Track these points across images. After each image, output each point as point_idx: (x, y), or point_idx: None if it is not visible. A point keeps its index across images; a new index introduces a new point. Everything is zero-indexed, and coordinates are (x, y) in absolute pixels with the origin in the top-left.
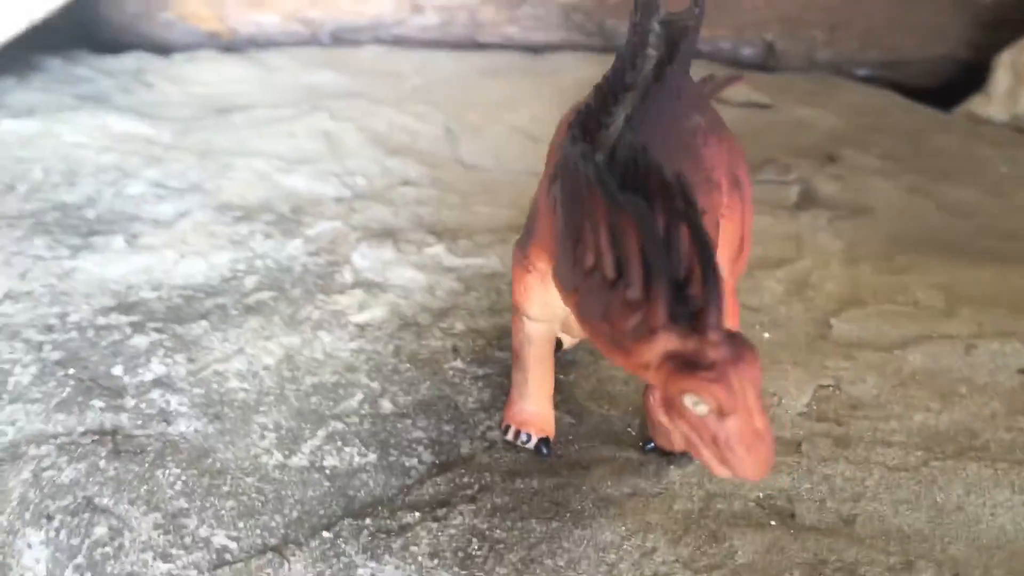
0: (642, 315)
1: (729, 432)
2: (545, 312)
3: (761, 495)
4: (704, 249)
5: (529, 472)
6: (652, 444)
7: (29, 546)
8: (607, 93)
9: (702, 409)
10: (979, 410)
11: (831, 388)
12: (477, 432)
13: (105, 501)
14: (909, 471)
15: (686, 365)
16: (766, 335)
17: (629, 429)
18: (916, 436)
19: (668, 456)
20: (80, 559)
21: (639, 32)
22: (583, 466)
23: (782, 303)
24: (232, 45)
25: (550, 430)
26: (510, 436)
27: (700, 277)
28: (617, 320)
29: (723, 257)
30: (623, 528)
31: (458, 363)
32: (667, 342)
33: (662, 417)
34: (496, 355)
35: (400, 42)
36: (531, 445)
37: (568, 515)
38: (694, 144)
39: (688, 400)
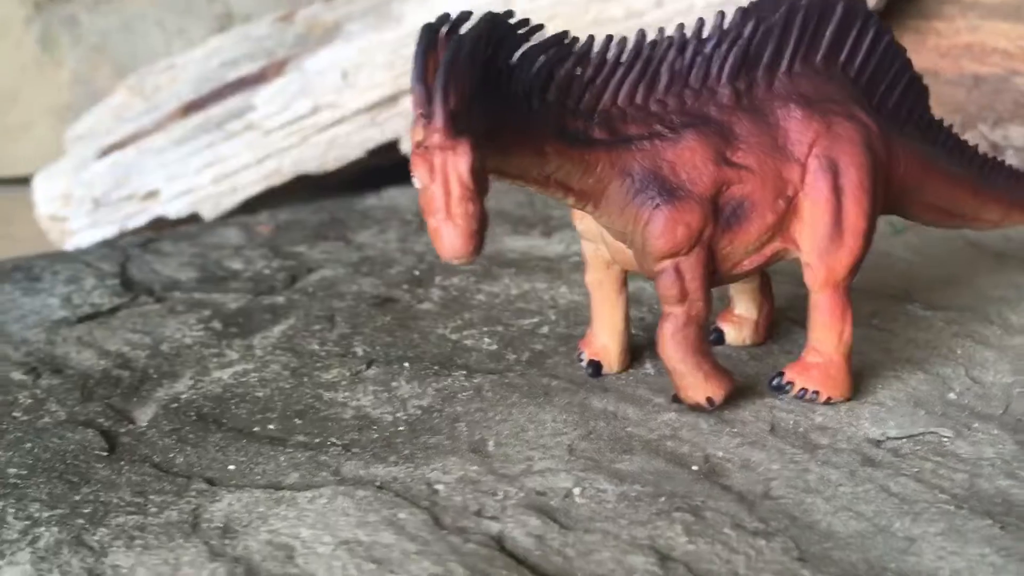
0: None
1: (425, 203)
2: (583, 225)
3: (722, 454)
4: (446, 55)
5: (560, 377)
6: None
7: (278, 324)
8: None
9: (416, 183)
10: None
11: None
12: (576, 356)
13: (341, 320)
14: (929, 500)
15: (413, 147)
16: None
17: None
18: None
19: (688, 408)
20: (290, 331)
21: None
22: (605, 390)
23: None
24: None
25: (605, 357)
26: (576, 354)
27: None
28: None
29: (811, 242)
30: (564, 418)
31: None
32: (417, 133)
33: None
34: None
35: None
36: (583, 363)
37: (542, 400)
38: (773, 112)
39: (412, 177)
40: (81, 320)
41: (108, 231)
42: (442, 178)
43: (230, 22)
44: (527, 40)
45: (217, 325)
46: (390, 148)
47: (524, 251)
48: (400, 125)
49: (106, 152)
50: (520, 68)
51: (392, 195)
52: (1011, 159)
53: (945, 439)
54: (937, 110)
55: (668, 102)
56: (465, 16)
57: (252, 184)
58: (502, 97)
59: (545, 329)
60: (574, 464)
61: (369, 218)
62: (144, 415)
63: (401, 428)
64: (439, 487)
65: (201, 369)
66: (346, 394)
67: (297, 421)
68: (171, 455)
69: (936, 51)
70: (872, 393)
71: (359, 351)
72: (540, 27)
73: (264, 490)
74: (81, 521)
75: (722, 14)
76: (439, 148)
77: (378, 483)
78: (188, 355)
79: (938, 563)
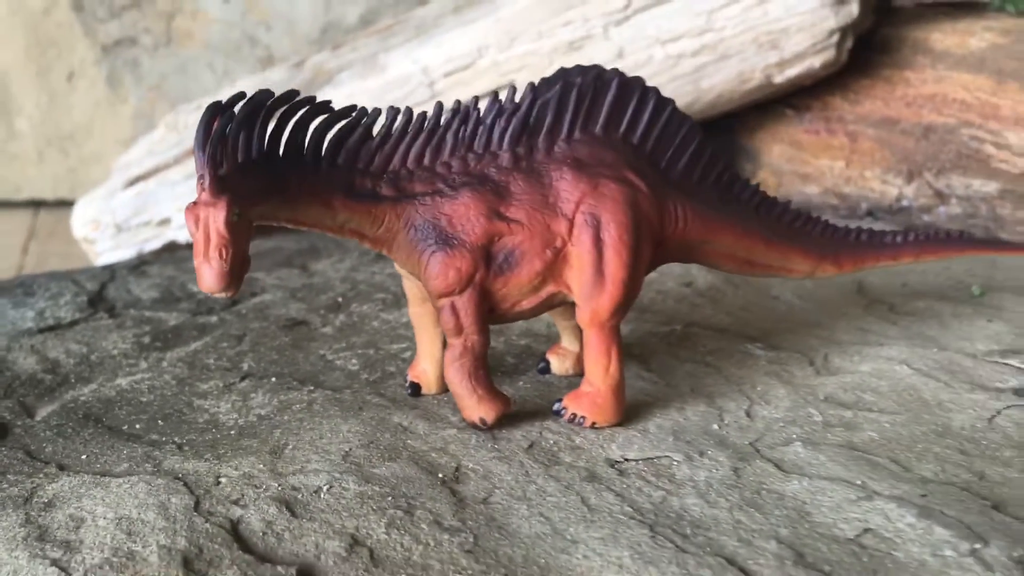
0: None
1: (194, 247)
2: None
3: (472, 465)
4: (217, 128)
5: (386, 395)
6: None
7: (197, 341)
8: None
9: (189, 230)
10: None
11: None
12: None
13: (248, 339)
14: (615, 511)
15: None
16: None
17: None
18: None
19: (469, 426)
20: (202, 347)
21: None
22: (414, 408)
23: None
24: None
25: (424, 380)
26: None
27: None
28: None
29: (579, 287)
30: (359, 429)
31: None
32: (197, 190)
33: None
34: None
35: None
36: (406, 384)
37: (352, 414)
38: (548, 174)
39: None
40: (42, 331)
41: (128, 253)
42: (204, 228)
43: (271, 64)
44: (322, 112)
45: (146, 339)
46: None
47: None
48: None
49: (132, 183)
50: (313, 136)
51: None
52: (955, 207)
53: (674, 463)
54: (888, 158)
55: (452, 164)
56: (261, 94)
57: None
58: (292, 161)
59: (408, 354)
60: (339, 467)
61: (340, 248)
62: (44, 412)
63: (232, 432)
64: (223, 480)
65: (111, 376)
66: (211, 402)
67: (160, 423)
68: (44, 444)
69: (903, 100)
70: (643, 421)
71: (245, 366)
72: (329, 102)
73: (94, 476)
74: None
75: (513, 88)
76: (204, 204)
77: (179, 474)
78: (109, 364)
79: (580, 562)
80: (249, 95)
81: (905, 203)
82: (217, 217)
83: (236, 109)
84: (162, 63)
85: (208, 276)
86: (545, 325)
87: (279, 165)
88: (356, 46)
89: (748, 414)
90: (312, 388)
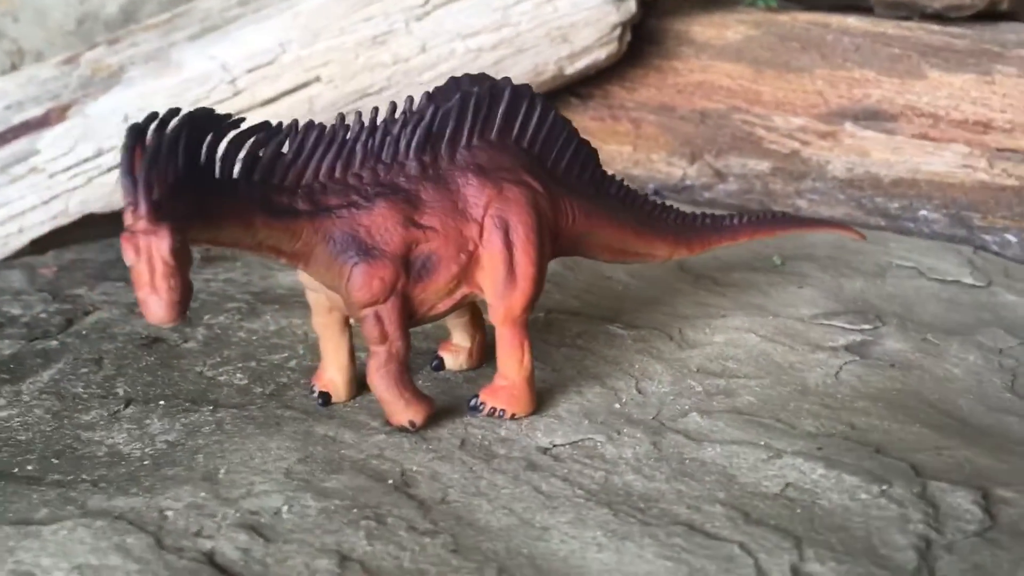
0: None
1: (134, 278)
2: (305, 277)
3: (415, 468)
4: (147, 152)
5: (295, 407)
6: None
7: (48, 369)
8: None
9: (128, 261)
10: None
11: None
12: (309, 388)
13: (108, 362)
14: (568, 495)
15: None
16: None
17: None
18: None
19: (396, 430)
20: (58, 375)
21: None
22: (331, 417)
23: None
24: None
25: (333, 389)
26: (309, 386)
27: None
28: None
29: (491, 287)
30: (288, 445)
31: None
32: (127, 219)
33: None
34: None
35: (702, 204)
36: (314, 394)
37: (273, 430)
38: (454, 180)
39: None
40: None
41: None
42: (146, 257)
43: (21, 59)
44: (232, 129)
45: None
46: None
47: (291, 287)
48: None
49: None
50: (227, 154)
51: None
52: (732, 185)
53: (598, 443)
54: (671, 143)
55: (363, 175)
56: (172, 113)
57: (39, 225)
58: (210, 181)
59: (293, 363)
60: (288, 485)
61: None
62: None
63: (147, 462)
64: (169, 513)
65: None
66: (102, 433)
67: (54, 461)
68: None
69: (675, 88)
70: (553, 407)
71: (120, 392)
72: (242, 119)
73: (14, 526)
74: None
75: (411, 99)
76: (143, 232)
77: (116, 514)
78: None
79: (560, 546)
80: (164, 114)
81: (688, 182)
82: (161, 246)
83: (159, 130)
84: None
85: (157, 308)
86: None
87: (203, 185)
88: (136, 41)
89: (639, 391)
90: (212, 408)
